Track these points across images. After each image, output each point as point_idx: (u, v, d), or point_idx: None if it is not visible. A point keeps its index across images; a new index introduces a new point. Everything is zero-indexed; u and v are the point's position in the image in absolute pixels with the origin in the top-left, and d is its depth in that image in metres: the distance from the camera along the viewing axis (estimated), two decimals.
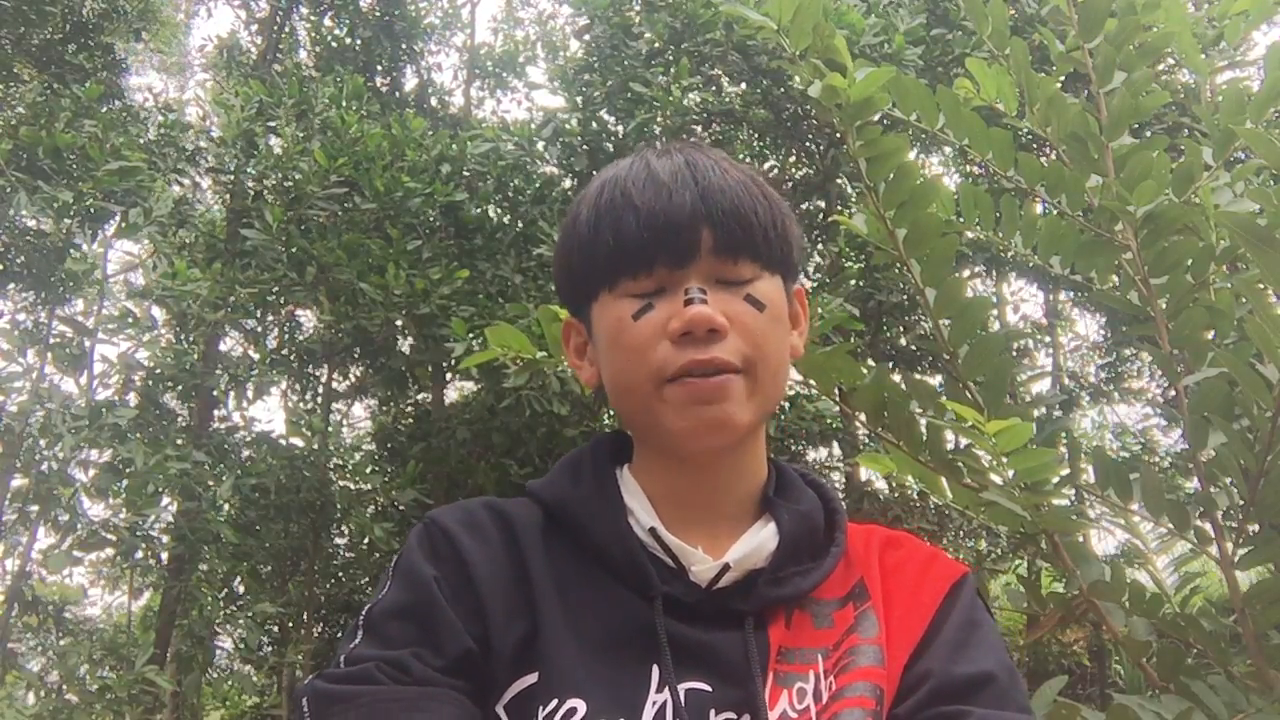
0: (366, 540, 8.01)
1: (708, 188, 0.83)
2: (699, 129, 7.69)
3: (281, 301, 7.58)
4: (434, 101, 9.85)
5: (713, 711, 0.77)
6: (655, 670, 0.78)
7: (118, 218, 6.45)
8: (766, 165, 8.78)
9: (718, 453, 0.84)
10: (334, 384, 9.19)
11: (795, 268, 0.89)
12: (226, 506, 7.18)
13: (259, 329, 8.12)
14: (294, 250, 6.91)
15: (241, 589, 7.73)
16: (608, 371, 0.86)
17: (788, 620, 0.84)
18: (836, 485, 9.55)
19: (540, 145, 7.64)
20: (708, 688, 0.78)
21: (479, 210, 7.67)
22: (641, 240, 0.81)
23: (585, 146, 7.32)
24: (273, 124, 7.25)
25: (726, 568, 0.82)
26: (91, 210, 6.30)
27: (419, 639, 0.77)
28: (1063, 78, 2.08)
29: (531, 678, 0.77)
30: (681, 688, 0.77)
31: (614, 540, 0.83)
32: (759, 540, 0.84)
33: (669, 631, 0.79)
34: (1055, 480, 1.71)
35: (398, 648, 0.77)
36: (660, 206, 0.82)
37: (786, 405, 7.46)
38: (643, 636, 0.79)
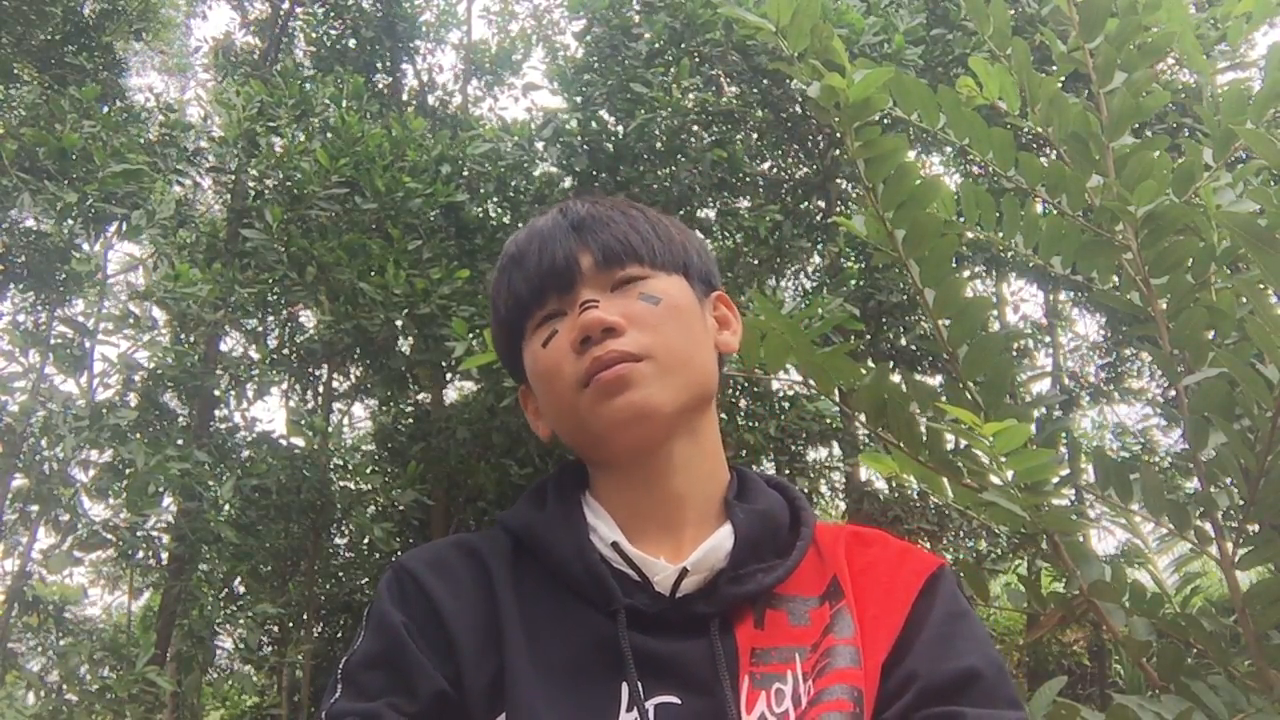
0: (367, 540, 8.01)
1: (578, 218, 0.90)
2: (699, 129, 7.69)
3: (282, 302, 7.58)
4: (432, 101, 9.86)
5: None
6: (624, 688, 0.78)
7: (120, 219, 6.44)
8: (766, 165, 8.79)
9: (651, 445, 0.86)
10: (334, 384, 9.20)
11: (703, 272, 0.94)
12: (227, 507, 7.18)
13: (259, 329, 8.12)
14: (294, 250, 6.92)
15: (242, 589, 7.73)
16: (543, 408, 0.91)
17: (759, 620, 0.83)
18: (836, 485, 9.55)
19: (540, 145, 7.64)
20: (677, 700, 0.78)
21: (479, 210, 7.67)
22: (530, 282, 0.89)
23: (585, 146, 7.32)
24: (273, 124, 7.25)
25: (685, 572, 0.82)
26: (94, 212, 6.30)
27: (392, 687, 0.79)
28: (1063, 78, 2.08)
29: (501, 719, 0.78)
30: (651, 703, 0.77)
31: (575, 557, 0.84)
32: (716, 541, 0.85)
33: (635, 645, 0.79)
34: (1055, 480, 1.71)
35: (373, 699, 0.78)
36: (536, 247, 0.89)
37: (786, 405, 7.46)
38: (608, 653, 0.80)
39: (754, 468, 0.96)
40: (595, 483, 0.91)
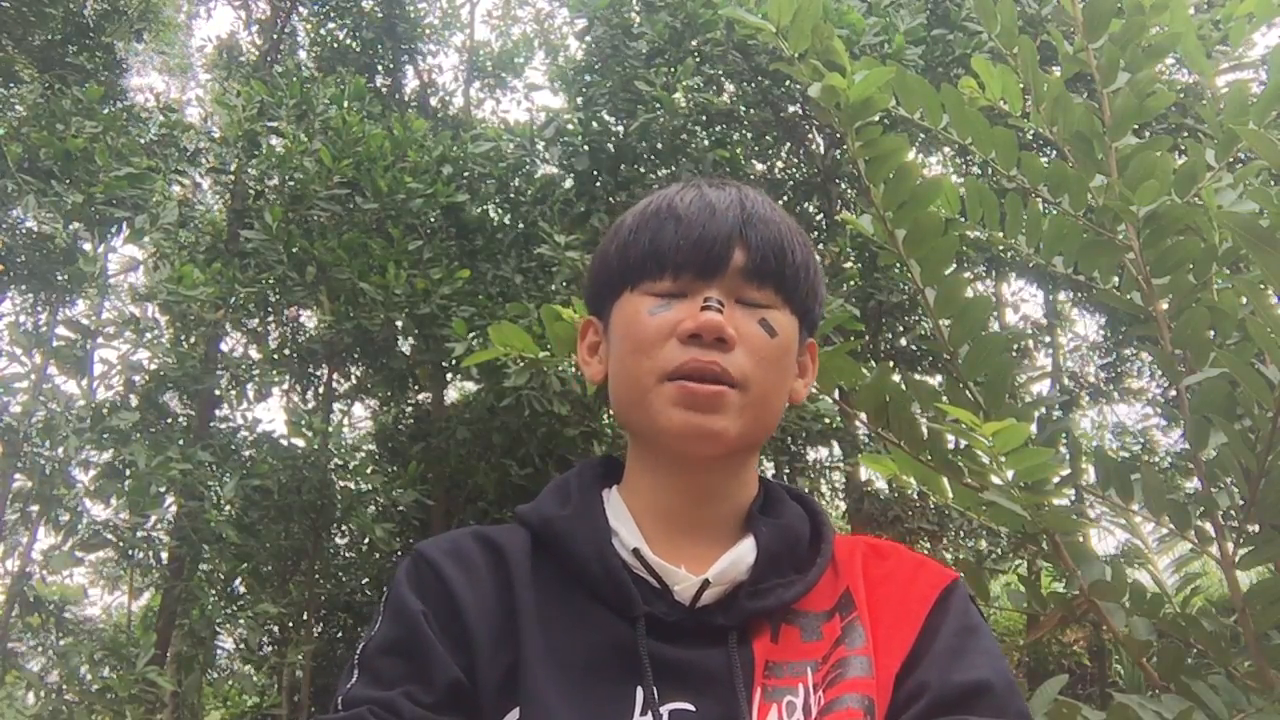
0: (367, 541, 8.01)
1: (752, 215, 0.87)
2: (698, 129, 7.69)
3: (282, 302, 7.58)
4: (434, 102, 9.86)
5: None
6: (639, 693, 0.78)
7: (123, 222, 6.44)
8: (765, 166, 8.78)
9: (705, 462, 0.86)
10: (334, 384, 9.20)
11: (814, 321, 0.93)
12: (228, 507, 7.18)
13: (260, 329, 8.12)
14: (294, 250, 6.91)
15: (242, 589, 7.73)
16: (614, 365, 0.89)
17: (774, 634, 0.84)
18: (837, 485, 9.55)
19: (541, 145, 7.64)
20: (691, 707, 0.78)
21: (480, 211, 7.68)
22: (676, 245, 0.86)
23: (587, 146, 7.32)
24: (274, 124, 7.25)
25: (707, 584, 0.83)
26: (98, 214, 6.29)
27: (409, 675, 0.79)
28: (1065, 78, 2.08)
29: (515, 714, 0.78)
30: (665, 709, 0.78)
31: (596, 561, 0.84)
32: (738, 554, 0.85)
33: (652, 652, 0.80)
34: (1055, 480, 1.71)
35: (389, 686, 0.78)
36: (702, 220, 0.86)
37: (786, 405, 7.45)
38: (625, 658, 0.80)
39: (761, 473, 0.96)
40: (629, 473, 0.91)
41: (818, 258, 0.93)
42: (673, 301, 0.85)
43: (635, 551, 0.84)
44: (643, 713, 0.77)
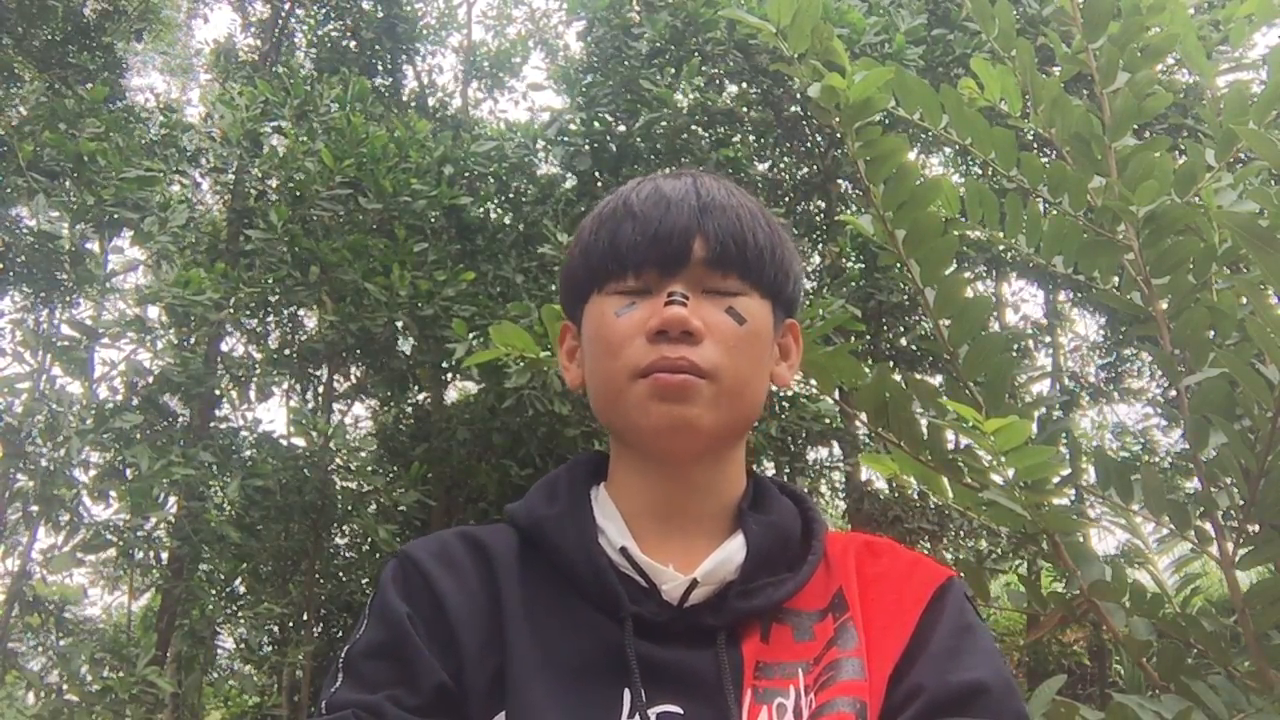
0: (369, 541, 8.01)
1: (708, 204, 0.86)
2: (699, 129, 7.70)
3: (284, 302, 7.57)
4: (433, 102, 9.87)
5: None
6: (627, 695, 0.78)
7: (133, 224, 6.43)
8: (766, 166, 8.79)
9: (684, 456, 0.85)
10: (335, 384, 9.20)
11: (790, 300, 0.92)
12: (228, 507, 7.18)
13: (260, 329, 8.12)
14: (297, 250, 6.91)
15: (243, 589, 7.73)
16: (589, 368, 0.89)
17: (765, 634, 0.83)
18: (837, 485, 9.55)
19: (542, 146, 7.65)
20: (680, 710, 0.78)
21: (480, 211, 7.68)
22: (634, 244, 0.85)
23: (589, 146, 7.32)
24: (275, 124, 7.25)
25: (695, 583, 0.82)
26: (108, 216, 6.28)
27: (395, 679, 0.78)
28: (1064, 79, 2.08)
29: (501, 717, 0.78)
30: (653, 711, 0.77)
31: (584, 561, 0.83)
32: (727, 554, 0.84)
33: (640, 653, 0.79)
34: (1056, 480, 1.72)
35: (374, 689, 0.77)
36: (657, 215, 0.85)
37: (786, 405, 7.47)
38: (613, 659, 0.79)
39: (754, 468, 0.95)
40: (615, 471, 0.90)
41: (785, 235, 0.91)
42: (638, 299, 0.85)
43: (623, 550, 0.83)
44: (630, 715, 0.77)
